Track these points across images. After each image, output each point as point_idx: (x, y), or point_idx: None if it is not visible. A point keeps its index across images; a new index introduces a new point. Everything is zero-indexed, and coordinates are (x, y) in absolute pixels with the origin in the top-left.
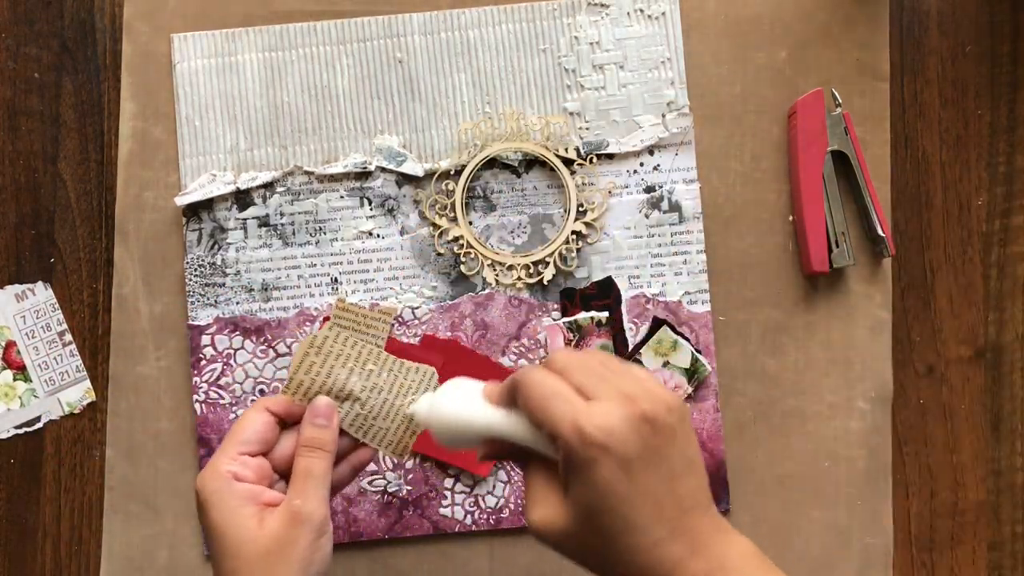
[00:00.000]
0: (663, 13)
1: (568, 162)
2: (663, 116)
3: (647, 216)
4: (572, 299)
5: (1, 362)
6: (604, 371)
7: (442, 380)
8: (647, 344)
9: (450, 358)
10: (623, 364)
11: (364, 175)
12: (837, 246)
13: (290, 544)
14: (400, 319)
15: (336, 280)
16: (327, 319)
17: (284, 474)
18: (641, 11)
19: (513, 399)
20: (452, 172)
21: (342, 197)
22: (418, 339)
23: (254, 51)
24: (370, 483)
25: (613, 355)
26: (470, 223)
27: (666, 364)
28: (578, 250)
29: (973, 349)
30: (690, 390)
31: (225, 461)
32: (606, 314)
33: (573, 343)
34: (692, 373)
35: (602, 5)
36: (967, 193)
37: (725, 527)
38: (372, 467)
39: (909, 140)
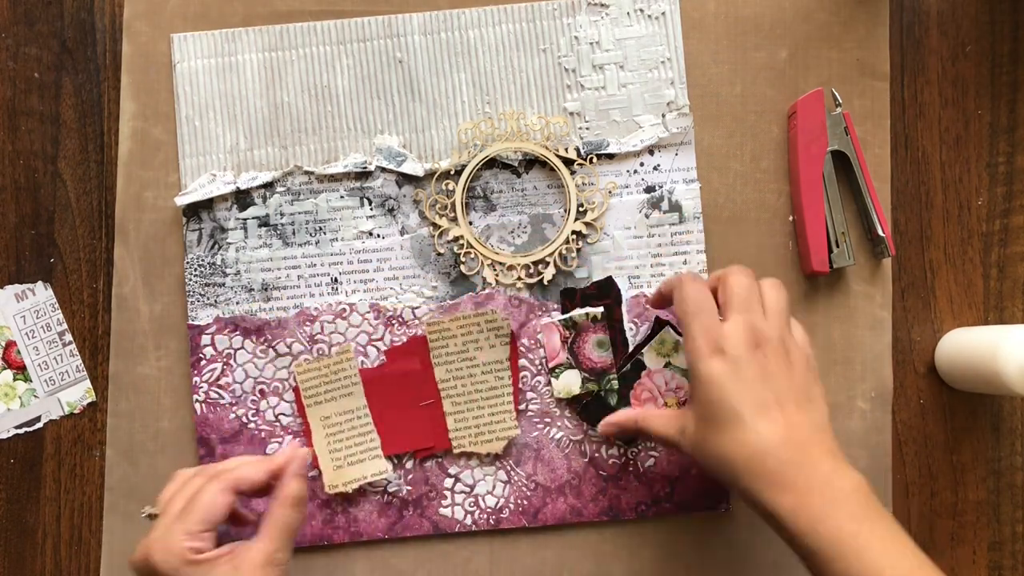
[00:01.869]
0: (663, 13)
1: (568, 162)
2: (663, 116)
3: (647, 216)
4: (572, 299)
5: (1, 362)
6: (753, 302)
7: (417, 380)
8: (649, 344)
9: (422, 355)
10: (774, 297)
11: (364, 175)
12: (837, 246)
13: None
14: (400, 319)
15: (336, 280)
16: (297, 390)
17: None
18: (641, 11)
19: (668, 299)
20: (452, 172)
21: (342, 197)
22: (383, 359)
23: (254, 51)
24: (370, 484)
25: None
26: (470, 223)
27: (667, 365)
28: (578, 250)
29: None
30: None
31: (186, 538)
32: (601, 309)
33: (569, 341)
34: None
35: (602, 5)
36: (967, 193)
37: (843, 460)
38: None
39: (909, 140)
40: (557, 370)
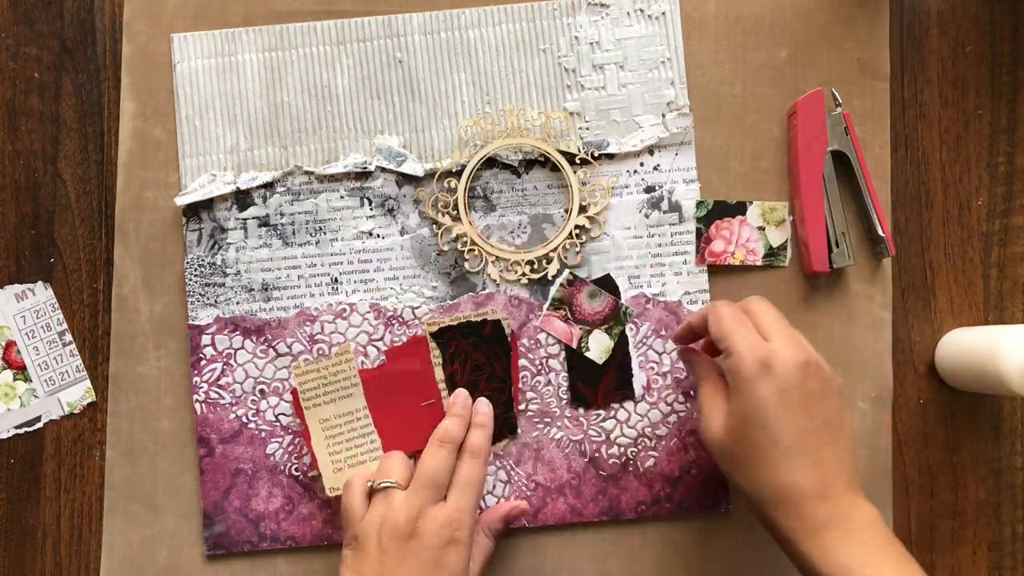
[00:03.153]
0: (663, 13)
1: (570, 158)
2: (663, 116)
3: (647, 216)
4: None
5: (1, 362)
6: (782, 323)
7: (417, 380)
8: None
9: (422, 355)
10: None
11: (364, 175)
12: (837, 246)
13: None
14: (400, 319)
15: (336, 280)
16: (295, 392)
17: None
18: (641, 11)
19: (706, 326)
20: (453, 171)
21: (342, 197)
22: (383, 359)
23: (254, 51)
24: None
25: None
26: (470, 223)
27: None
28: (581, 245)
29: None
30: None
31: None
32: (567, 272)
33: (569, 314)
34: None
35: (602, 5)
36: (967, 193)
37: (860, 493)
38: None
39: (909, 140)
40: (583, 343)
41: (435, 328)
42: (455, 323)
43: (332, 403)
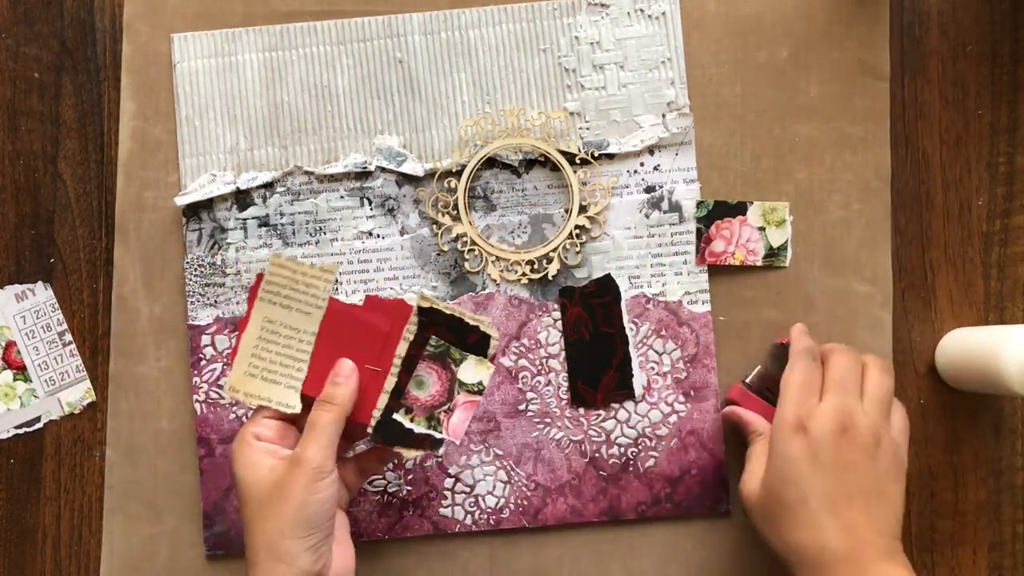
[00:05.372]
0: (663, 13)
1: (570, 158)
2: (663, 116)
3: (647, 216)
4: (572, 297)
5: (1, 362)
6: (841, 385)
7: (378, 341)
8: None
9: (397, 321)
10: (876, 381)
11: (364, 175)
12: None
13: (288, 484)
14: None
15: (336, 280)
16: (260, 276)
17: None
18: (641, 11)
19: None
20: (453, 171)
21: (342, 197)
22: (361, 300)
23: (254, 51)
24: (370, 483)
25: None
26: (470, 223)
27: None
28: (582, 245)
29: None
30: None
31: (249, 425)
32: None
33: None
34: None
35: (602, 5)
36: (967, 193)
37: (898, 561)
38: None
39: (909, 140)
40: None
41: (427, 305)
42: (448, 312)
43: (287, 310)
